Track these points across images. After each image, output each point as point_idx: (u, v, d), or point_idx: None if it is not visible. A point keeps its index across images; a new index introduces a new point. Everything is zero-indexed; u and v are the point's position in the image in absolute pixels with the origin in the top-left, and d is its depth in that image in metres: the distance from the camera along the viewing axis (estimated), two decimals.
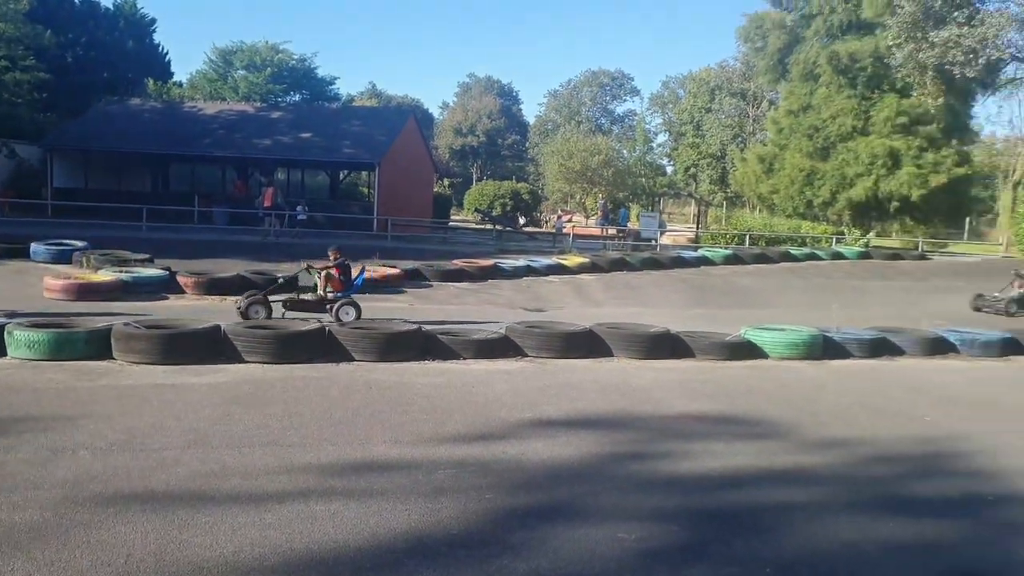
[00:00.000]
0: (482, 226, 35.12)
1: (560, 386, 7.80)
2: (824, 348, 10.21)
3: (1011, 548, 4.20)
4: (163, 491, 4.48)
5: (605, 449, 5.75)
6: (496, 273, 18.18)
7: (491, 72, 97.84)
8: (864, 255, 24.73)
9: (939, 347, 10.74)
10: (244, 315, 10.17)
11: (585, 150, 45.57)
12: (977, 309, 15.02)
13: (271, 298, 10.69)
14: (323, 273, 11.08)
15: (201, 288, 13.61)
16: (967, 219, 32.84)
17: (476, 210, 34.21)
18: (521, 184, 39.34)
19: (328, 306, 10.78)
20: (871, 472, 5.56)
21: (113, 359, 7.84)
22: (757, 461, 5.63)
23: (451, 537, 4.07)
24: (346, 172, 36.06)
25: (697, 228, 39.49)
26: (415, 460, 5.26)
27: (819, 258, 23.97)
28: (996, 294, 15.35)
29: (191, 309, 11.54)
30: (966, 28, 27.17)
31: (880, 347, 10.52)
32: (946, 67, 28.28)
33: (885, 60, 29.85)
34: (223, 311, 11.02)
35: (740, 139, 48.85)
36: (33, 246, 15.83)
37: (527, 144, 71.18)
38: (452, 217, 44.06)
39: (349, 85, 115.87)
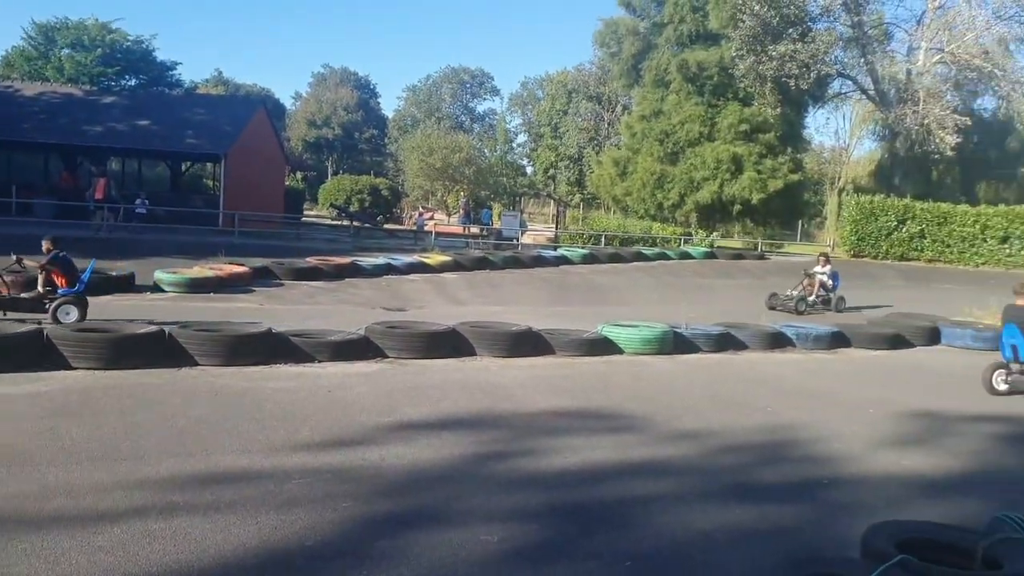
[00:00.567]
0: (339, 222, 34.15)
1: (422, 387, 7.64)
2: (675, 343, 10.66)
3: (843, 527, 4.51)
4: None
5: (468, 450, 5.67)
6: (354, 271, 17.65)
7: (348, 64, 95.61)
8: (710, 255, 26.28)
9: (778, 341, 11.52)
10: None
11: (446, 147, 45.51)
12: (772, 308, 15.38)
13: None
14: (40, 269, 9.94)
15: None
16: (800, 222, 35.75)
17: (332, 205, 33.22)
18: (380, 179, 38.74)
19: (46, 304, 9.75)
20: (720, 462, 5.83)
21: None
22: (615, 455, 5.75)
23: (306, 550, 3.83)
24: (189, 163, 33.95)
25: (556, 228, 40.48)
26: (266, 470, 4.93)
27: (669, 258, 25.20)
28: (789, 292, 15.84)
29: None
30: (800, 44, 29.62)
31: (725, 342, 11.14)
32: (783, 79, 30.70)
33: (729, 70, 31.91)
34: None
35: (596, 142, 50.56)
36: None
37: (386, 139, 70.07)
38: (306, 212, 42.59)
39: (192, 71, 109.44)
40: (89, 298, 10.21)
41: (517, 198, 56.21)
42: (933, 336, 12.85)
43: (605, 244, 29.05)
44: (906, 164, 34.72)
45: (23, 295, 10.06)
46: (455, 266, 19.88)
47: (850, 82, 35.19)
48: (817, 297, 15.90)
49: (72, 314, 9.54)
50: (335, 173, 58.57)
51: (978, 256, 28.04)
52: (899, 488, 5.41)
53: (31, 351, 7.36)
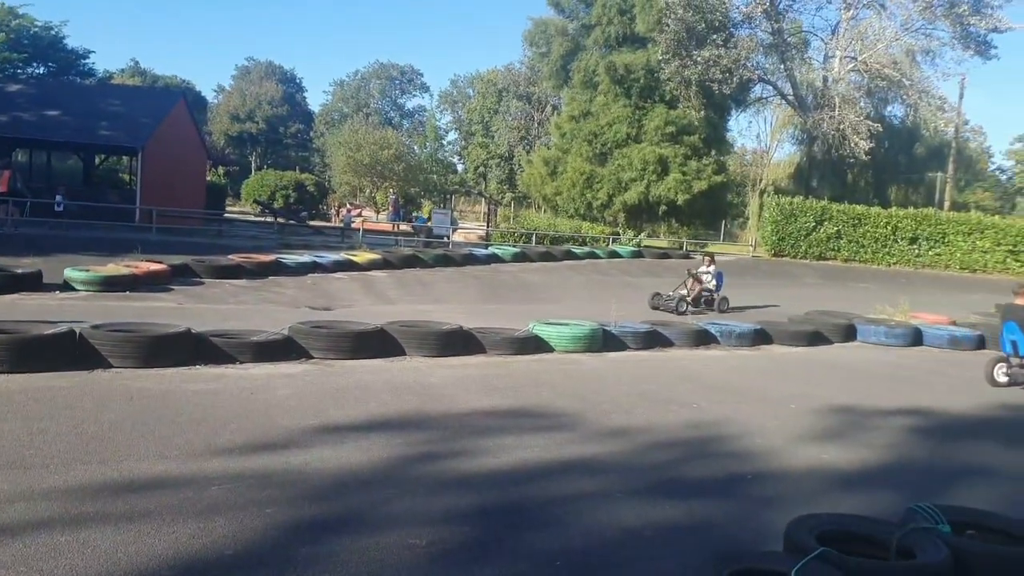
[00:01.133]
0: (262, 218, 33.26)
1: (349, 388, 7.47)
2: (604, 341, 10.78)
3: (766, 521, 4.62)
4: None
5: (397, 452, 5.56)
6: (278, 269, 17.20)
7: (272, 57, 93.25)
8: (637, 254, 26.79)
9: (703, 338, 11.79)
10: None
11: (374, 143, 44.92)
12: (655, 307, 15.19)
13: None
14: None
15: None
16: (723, 222, 36.81)
17: (255, 201, 32.29)
18: (306, 175, 37.87)
19: None
20: (648, 458, 5.89)
21: None
22: (546, 453, 5.74)
23: (225, 559, 3.67)
24: (103, 156, 32.47)
25: (487, 226, 40.50)
26: (184, 476, 4.71)
27: (598, 257, 25.55)
28: (670, 293, 15.63)
29: None
30: (723, 49, 30.51)
31: (653, 339, 11.33)
32: (707, 83, 31.57)
33: (656, 73, 32.57)
34: None
35: (527, 141, 50.84)
36: None
37: (312, 133, 68.67)
38: (228, 208, 41.33)
39: (107, 61, 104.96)
40: None
41: (448, 196, 55.97)
42: (849, 333, 13.41)
43: (536, 243, 29.23)
44: (823, 167, 36.24)
45: None
46: (384, 264, 19.62)
47: (770, 87, 36.53)
48: (701, 297, 15.77)
49: None
50: (259, 168, 57.05)
51: (890, 256, 29.50)
52: (819, 482, 5.59)
53: None
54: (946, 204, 37.44)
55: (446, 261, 21.36)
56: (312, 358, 8.70)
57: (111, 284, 13.27)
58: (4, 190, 20.39)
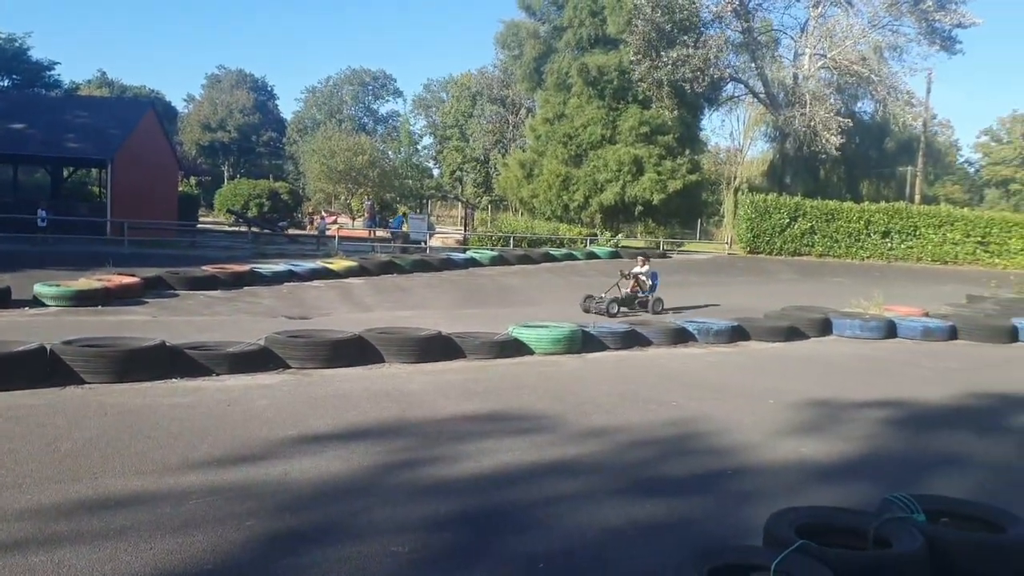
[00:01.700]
0: (237, 228, 32.96)
1: (328, 397, 7.42)
2: (583, 342, 10.81)
3: (746, 516, 4.66)
4: None
5: (378, 460, 5.53)
6: (253, 279, 17.06)
7: (243, 65, 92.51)
8: (615, 254, 26.90)
9: (680, 336, 11.86)
10: None
11: (348, 149, 44.71)
12: (587, 310, 14.64)
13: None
14: None
15: None
16: (699, 221, 37.08)
17: (229, 211, 31.96)
18: (280, 183, 37.58)
19: None
20: (629, 457, 5.92)
21: None
22: (527, 456, 5.74)
23: (205, 573, 3.63)
24: (72, 169, 32.02)
25: (465, 230, 40.46)
26: (161, 491, 4.65)
27: (575, 258, 25.64)
28: (602, 295, 15.02)
29: None
30: (692, 49, 30.75)
31: (631, 339, 11.39)
32: (678, 83, 31.79)
33: (628, 74, 32.75)
34: None
35: (502, 144, 50.88)
36: None
37: (285, 141, 68.20)
38: (201, 219, 40.92)
39: (73, 72, 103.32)
40: None
41: (424, 201, 55.83)
42: (825, 327, 13.58)
43: (513, 246, 29.25)
44: (796, 164, 36.66)
45: None
46: (361, 271, 19.52)
47: (742, 86, 36.89)
48: (635, 298, 15.33)
49: None
50: (232, 177, 56.52)
51: (863, 250, 29.92)
52: (798, 475, 5.64)
53: None
54: (917, 198, 38.06)
55: (424, 266, 21.31)
56: (290, 368, 8.62)
57: (83, 299, 13.06)
58: None
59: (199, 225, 36.54)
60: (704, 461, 5.88)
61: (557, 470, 5.50)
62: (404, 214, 36.38)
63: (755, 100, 39.27)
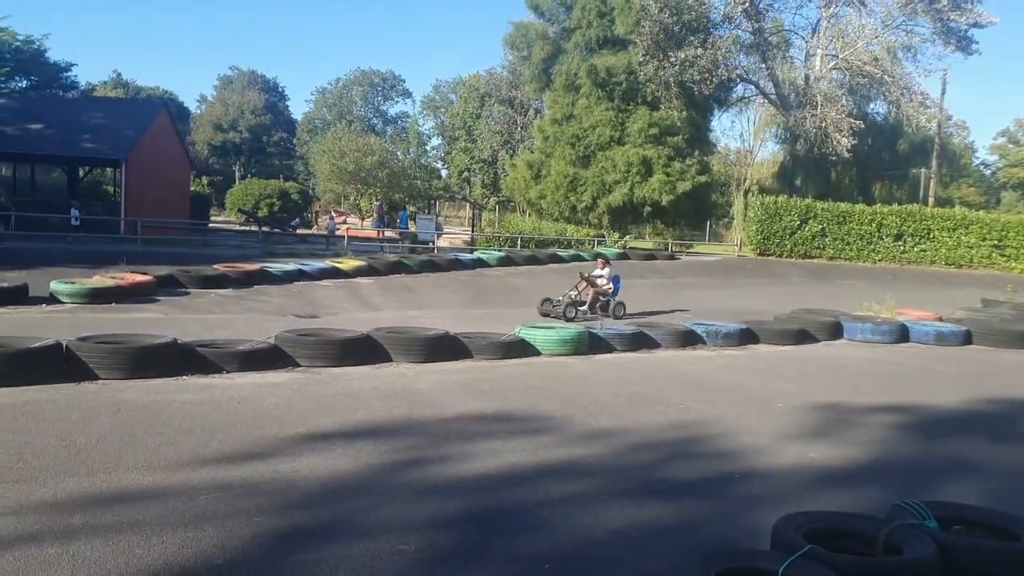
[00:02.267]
0: (248, 227, 33.12)
1: (336, 396, 7.46)
2: (590, 344, 10.82)
3: (752, 518, 4.66)
4: None
5: (385, 458, 5.56)
6: (264, 278, 17.15)
7: (255, 66, 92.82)
8: (623, 256, 26.84)
9: (689, 339, 11.84)
10: None
11: (358, 150, 44.78)
12: (545, 314, 14.25)
13: None
14: None
15: None
16: (708, 222, 36.92)
17: (240, 210, 32.08)
18: (290, 183, 37.69)
19: None
20: (635, 459, 5.92)
21: None
22: (533, 456, 5.76)
23: (215, 568, 3.67)
24: (87, 169, 32.24)
25: (472, 231, 40.48)
26: (172, 486, 4.70)
27: (583, 259, 25.59)
28: (559, 298, 14.58)
29: None
30: (701, 50, 30.61)
31: (639, 341, 11.37)
32: (687, 84, 31.66)
33: (637, 75, 32.65)
34: None
35: (510, 145, 50.84)
36: None
37: (295, 142, 68.42)
38: (213, 218, 41.14)
39: (89, 73, 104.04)
40: None
41: (432, 201, 55.89)
42: (836, 331, 13.50)
43: (521, 247, 29.25)
44: (807, 165, 36.45)
45: None
46: (369, 271, 19.58)
47: (752, 87, 36.70)
48: (596, 302, 14.76)
49: None
50: (243, 177, 56.74)
51: (875, 253, 29.72)
52: (806, 479, 5.63)
53: None
54: (930, 200, 37.75)
55: (431, 267, 21.34)
56: (299, 366, 8.68)
57: (97, 296, 13.19)
58: None
59: (211, 224, 36.74)
60: (711, 464, 5.88)
61: (563, 471, 5.51)
62: (412, 213, 36.47)
63: (766, 101, 39.10)
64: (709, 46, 30.96)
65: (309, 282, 17.76)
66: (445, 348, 9.77)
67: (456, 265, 22.12)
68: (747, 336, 12.40)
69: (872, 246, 29.75)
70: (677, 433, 6.73)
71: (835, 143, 31.77)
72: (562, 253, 25.99)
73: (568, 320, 13.65)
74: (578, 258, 25.59)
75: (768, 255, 29.88)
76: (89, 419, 6.10)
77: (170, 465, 5.11)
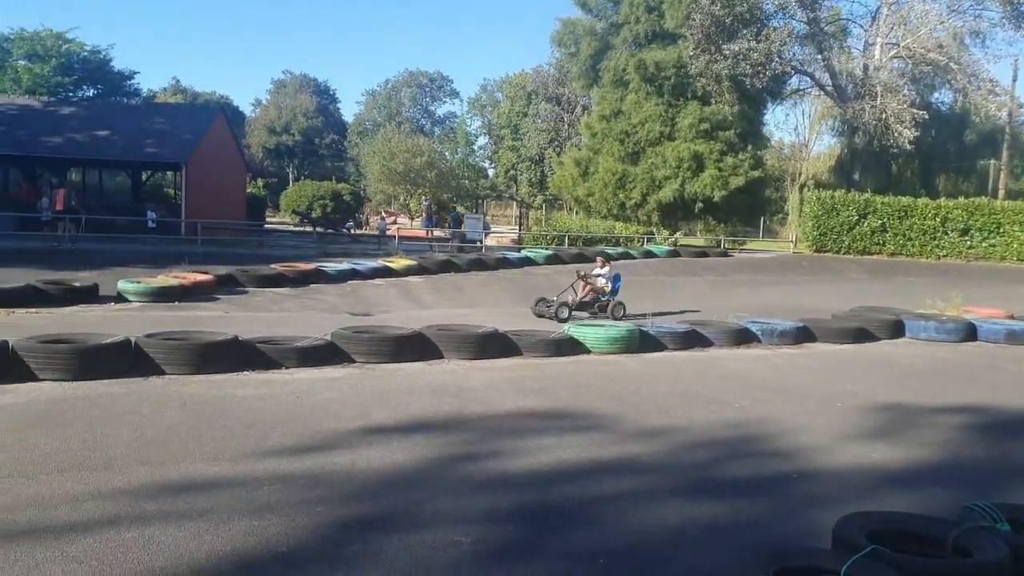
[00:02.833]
0: (301, 228, 33.79)
1: (390, 391, 7.58)
2: (641, 342, 10.73)
3: (813, 519, 4.57)
4: None
5: (439, 452, 5.63)
6: (318, 277, 17.50)
7: (306, 69, 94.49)
8: (673, 253, 26.54)
9: (743, 337, 11.63)
10: None
11: (407, 151, 45.25)
12: (539, 315, 13.84)
13: None
14: None
15: None
16: (762, 218, 36.18)
17: (294, 211, 32.75)
18: (342, 184, 38.24)
19: None
20: (690, 457, 5.87)
21: None
22: (586, 453, 5.76)
23: (279, 555, 3.80)
24: (150, 173, 33.34)
25: (520, 230, 40.51)
26: (237, 477, 4.87)
27: (632, 257, 25.39)
28: (554, 298, 14.08)
29: None
30: (754, 42, 29.95)
31: (691, 339, 11.24)
32: (739, 77, 31.04)
33: (687, 69, 32.20)
34: (11, 326, 9.70)
35: (557, 143, 50.70)
36: None
37: (346, 143, 69.50)
38: (268, 219, 42.06)
39: (150, 80, 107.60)
40: (52, 310, 9.90)
41: (479, 200, 56.12)
42: (897, 329, 13.09)
43: (568, 245, 29.17)
44: (865, 158, 35.41)
45: None
46: (419, 270, 19.80)
47: (808, 78, 35.76)
48: (595, 302, 14.19)
49: None
50: (296, 179, 57.89)
51: (939, 249, 28.68)
52: (868, 480, 5.49)
53: None
54: (1000, 193, 36.14)
55: (480, 265, 21.45)
56: (354, 362, 8.85)
57: (161, 295, 13.67)
58: (60, 208, 21.08)
59: (266, 225, 37.61)
60: (768, 463, 5.79)
61: (616, 468, 5.50)
62: (460, 213, 36.73)
63: (821, 93, 38.04)
64: (763, 38, 30.27)
65: (362, 281, 18.05)
66: (495, 345, 9.83)
67: (504, 264, 22.19)
68: (804, 334, 12.13)
69: (936, 241, 28.72)
70: (732, 432, 6.64)
71: (896, 135, 30.73)
72: (610, 251, 25.79)
73: (560, 321, 13.05)
74: (627, 256, 25.39)
75: (825, 251, 29.14)
76: (158, 412, 6.35)
77: (234, 457, 5.28)
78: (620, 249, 26.65)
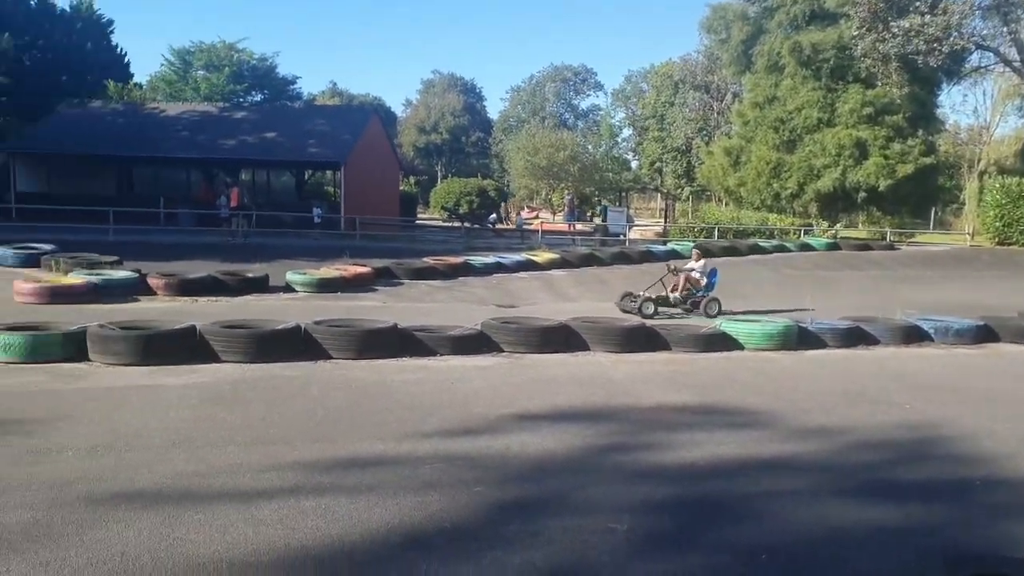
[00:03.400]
0: (450, 223, 34.96)
1: (538, 380, 7.74)
2: (799, 338, 10.27)
3: (999, 528, 4.23)
4: (151, 490, 4.40)
5: (589, 442, 5.70)
6: (467, 270, 18.12)
7: (453, 68, 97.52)
8: (833, 246, 25.05)
9: (913, 335, 10.83)
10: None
11: (550, 146, 45.54)
12: (624, 310, 13.03)
13: None
14: None
15: (172, 290, 13.32)
16: (934, 209, 33.36)
17: (443, 208, 33.97)
18: (488, 181, 39.23)
19: None
20: (855, 459, 5.57)
21: (89, 361, 7.74)
22: (740, 450, 5.61)
23: (443, 530, 4.01)
24: (311, 172, 35.67)
25: (665, 222, 39.72)
26: (400, 456, 5.18)
27: (787, 250, 24.23)
28: (641, 292, 13.31)
29: (164, 311, 11.26)
30: (928, 16, 27.49)
31: (855, 336, 10.60)
32: (909, 56, 28.66)
33: (848, 50, 30.20)
34: (196, 312, 10.79)
35: (705, 132, 49.20)
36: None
37: (491, 140, 70.98)
38: (419, 215, 43.80)
39: (310, 84, 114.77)
40: (229, 298, 10.87)
41: (623, 193, 55.51)
42: None
43: (718, 237, 28.26)
44: None
45: None
46: (562, 263, 19.95)
47: (991, 54, 32.36)
48: (688, 298, 13.37)
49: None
50: (444, 177, 59.90)
51: None
52: None
53: (186, 346, 8.02)
54: None
55: (623, 259, 21.27)
56: (502, 351, 9.11)
57: (324, 286, 14.69)
58: (235, 205, 23.12)
59: (417, 221, 39.24)
60: (945, 467, 5.39)
61: (774, 466, 5.33)
62: (604, 207, 36.59)
63: (1007, 70, 34.33)
64: (939, 12, 27.74)
65: (507, 274, 18.47)
66: (641, 339, 9.76)
67: (648, 257, 21.85)
68: (985, 333, 11.11)
69: None
70: (903, 434, 6.23)
71: None
72: (763, 243, 24.75)
73: (645, 317, 12.26)
74: (782, 248, 24.26)
75: (1009, 244, 26.43)
76: (326, 393, 6.86)
77: (397, 437, 5.61)
78: (775, 241, 25.51)
